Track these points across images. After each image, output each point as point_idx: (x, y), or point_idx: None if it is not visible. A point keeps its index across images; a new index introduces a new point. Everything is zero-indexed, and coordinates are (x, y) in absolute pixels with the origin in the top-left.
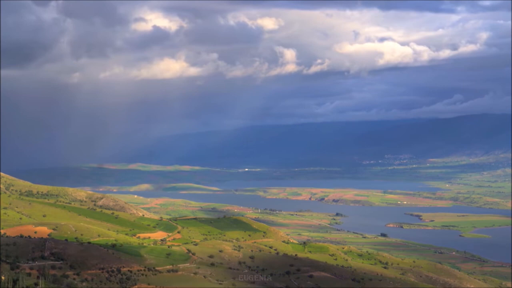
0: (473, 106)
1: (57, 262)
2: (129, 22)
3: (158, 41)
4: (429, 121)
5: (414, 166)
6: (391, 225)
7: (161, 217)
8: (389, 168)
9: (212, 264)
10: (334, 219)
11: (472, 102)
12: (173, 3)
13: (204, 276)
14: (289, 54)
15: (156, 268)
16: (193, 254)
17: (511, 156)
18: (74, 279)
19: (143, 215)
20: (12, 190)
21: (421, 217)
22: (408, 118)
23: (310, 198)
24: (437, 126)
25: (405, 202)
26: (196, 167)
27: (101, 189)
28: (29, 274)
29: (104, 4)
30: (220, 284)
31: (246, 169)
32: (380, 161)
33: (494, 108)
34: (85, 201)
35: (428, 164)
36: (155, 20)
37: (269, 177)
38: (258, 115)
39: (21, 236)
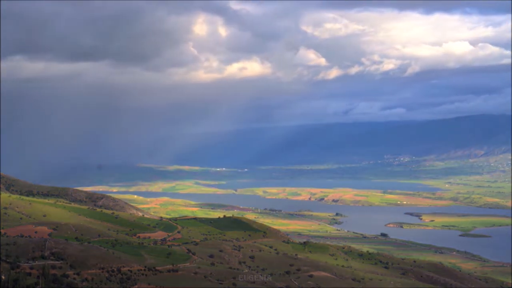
0: (473, 106)
1: (57, 262)
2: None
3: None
4: (429, 121)
5: (414, 166)
6: (391, 225)
7: (161, 217)
8: (389, 168)
9: (212, 264)
10: (334, 219)
11: (472, 103)
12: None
13: (205, 276)
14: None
15: (156, 268)
16: (193, 254)
17: (511, 156)
18: (74, 278)
19: (143, 215)
20: (12, 190)
21: (421, 217)
22: (408, 119)
23: (309, 198)
24: (437, 126)
25: (405, 202)
26: (196, 167)
27: (101, 189)
28: (29, 274)
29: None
30: (220, 284)
31: (246, 169)
32: (379, 161)
33: (493, 109)
34: (85, 201)
35: (428, 164)
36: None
37: (269, 177)
38: (260, 116)
39: (21, 236)
